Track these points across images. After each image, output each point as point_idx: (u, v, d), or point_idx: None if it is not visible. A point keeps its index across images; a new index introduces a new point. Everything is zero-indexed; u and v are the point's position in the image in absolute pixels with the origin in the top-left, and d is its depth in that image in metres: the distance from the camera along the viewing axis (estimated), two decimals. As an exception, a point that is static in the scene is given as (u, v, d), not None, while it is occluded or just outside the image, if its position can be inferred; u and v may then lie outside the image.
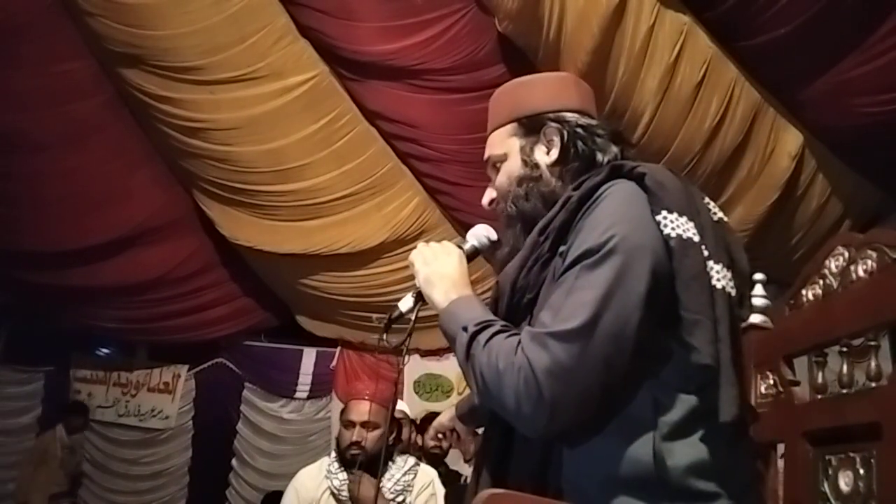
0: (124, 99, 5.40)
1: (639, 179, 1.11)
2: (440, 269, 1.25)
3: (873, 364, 1.33)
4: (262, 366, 7.17)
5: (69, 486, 6.21)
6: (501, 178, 1.30)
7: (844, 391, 1.37)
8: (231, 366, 7.12)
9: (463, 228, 5.93)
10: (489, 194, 1.33)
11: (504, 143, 1.30)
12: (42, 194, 5.47)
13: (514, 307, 1.17)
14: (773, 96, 4.61)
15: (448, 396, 6.75)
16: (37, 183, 5.40)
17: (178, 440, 7.01)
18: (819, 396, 1.47)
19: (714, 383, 1.03)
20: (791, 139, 4.75)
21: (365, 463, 2.55)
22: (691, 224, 1.07)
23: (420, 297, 1.29)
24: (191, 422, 7.03)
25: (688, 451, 1.03)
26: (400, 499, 2.51)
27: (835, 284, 1.44)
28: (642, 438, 1.03)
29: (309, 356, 7.15)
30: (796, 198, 4.98)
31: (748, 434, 1.12)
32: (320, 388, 7.10)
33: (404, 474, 2.58)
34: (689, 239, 1.06)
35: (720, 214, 1.18)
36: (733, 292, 1.09)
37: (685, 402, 1.05)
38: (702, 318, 1.03)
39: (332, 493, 2.58)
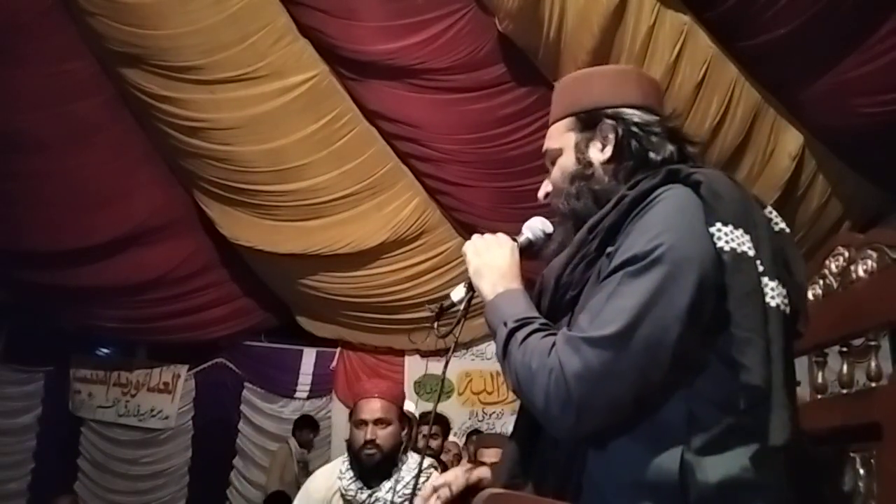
0: (125, 98, 5.39)
1: (695, 187, 1.08)
2: (490, 261, 1.24)
3: (873, 364, 1.33)
4: (262, 366, 7.17)
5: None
6: (556, 174, 1.28)
7: (844, 391, 1.37)
8: (231, 366, 7.11)
9: (463, 229, 5.93)
10: (545, 187, 1.31)
11: (561, 138, 1.27)
12: (42, 194, 5.46)
13: (557, 304, 1.17)
14: (773, 96, 4.61)
15: (448, 397, 6.74)
16: (37, 182, 5.40)
17: (178, 440, 7.00)
18: (819, 396, 1.47)
19: (763, 405, 1.00)
20: (791, 139, 4.75)
21: (381, 462, 2.52)
22: (747, 237, 1.04)
23: (471, 288, 1.28)
24: (191, 422, 7.03)
25: (720, 468, 1.00)
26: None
27: (835, 284, 1.44)
28: (671, 448, 1.01)
29: (309, 356, 7.15)
30: (796, 198, 4.98)
31: (797, 454, 1.08)
32: (320, 388, 7.10)
33: (415, 476, 2.49)
34: (744, 253, 1.03)
35: (782, 225, 1.16)
36: (788, 310, 1.06)
37: (723, 419, 1.02)
38: (754, 336, 1.00)
39: (342, 495, 2.55)
